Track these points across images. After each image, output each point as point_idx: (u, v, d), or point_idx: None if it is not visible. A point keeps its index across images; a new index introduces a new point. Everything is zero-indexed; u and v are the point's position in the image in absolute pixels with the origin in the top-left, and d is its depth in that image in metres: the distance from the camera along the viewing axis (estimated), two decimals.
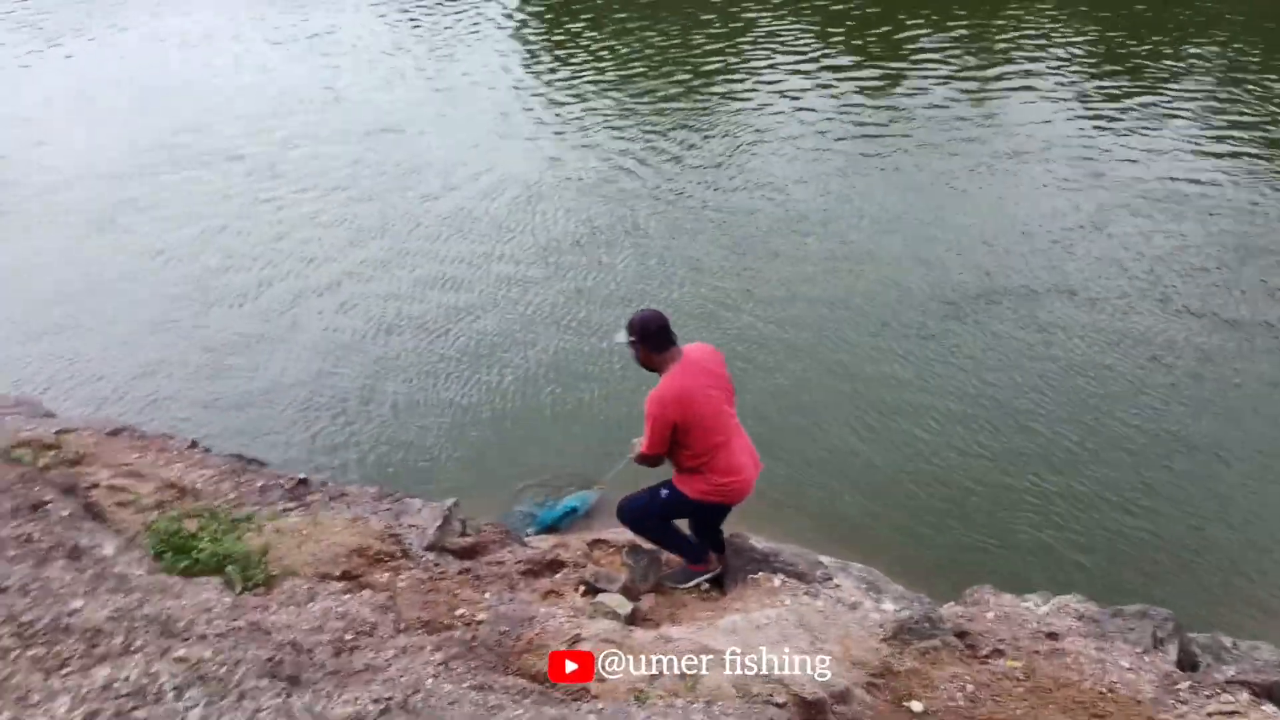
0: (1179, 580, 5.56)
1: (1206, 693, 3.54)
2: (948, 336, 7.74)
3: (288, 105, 13.70)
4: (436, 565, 4.40)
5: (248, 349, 8.17)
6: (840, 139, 11.31)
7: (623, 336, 4.25)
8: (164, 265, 9.61)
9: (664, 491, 4.41)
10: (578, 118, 12.68)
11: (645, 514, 4.54)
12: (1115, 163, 10.29)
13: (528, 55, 15.26)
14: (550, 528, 5.80)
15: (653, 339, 4.17)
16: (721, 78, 13.56)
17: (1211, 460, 6.41)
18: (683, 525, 4.72)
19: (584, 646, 3.32)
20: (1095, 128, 11.14)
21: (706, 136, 11.74)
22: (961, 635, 4.09)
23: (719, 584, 4.70)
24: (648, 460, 4.35)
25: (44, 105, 14.58)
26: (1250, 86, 11.89)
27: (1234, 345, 7.41)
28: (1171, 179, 9.84)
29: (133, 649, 2.16)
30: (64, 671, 2.01)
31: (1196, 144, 10.57)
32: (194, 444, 5.79)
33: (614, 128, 12.27)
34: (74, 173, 11.83)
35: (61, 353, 8.24)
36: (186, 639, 2.33)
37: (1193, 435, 6.60)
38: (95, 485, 4.35)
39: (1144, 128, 11.00)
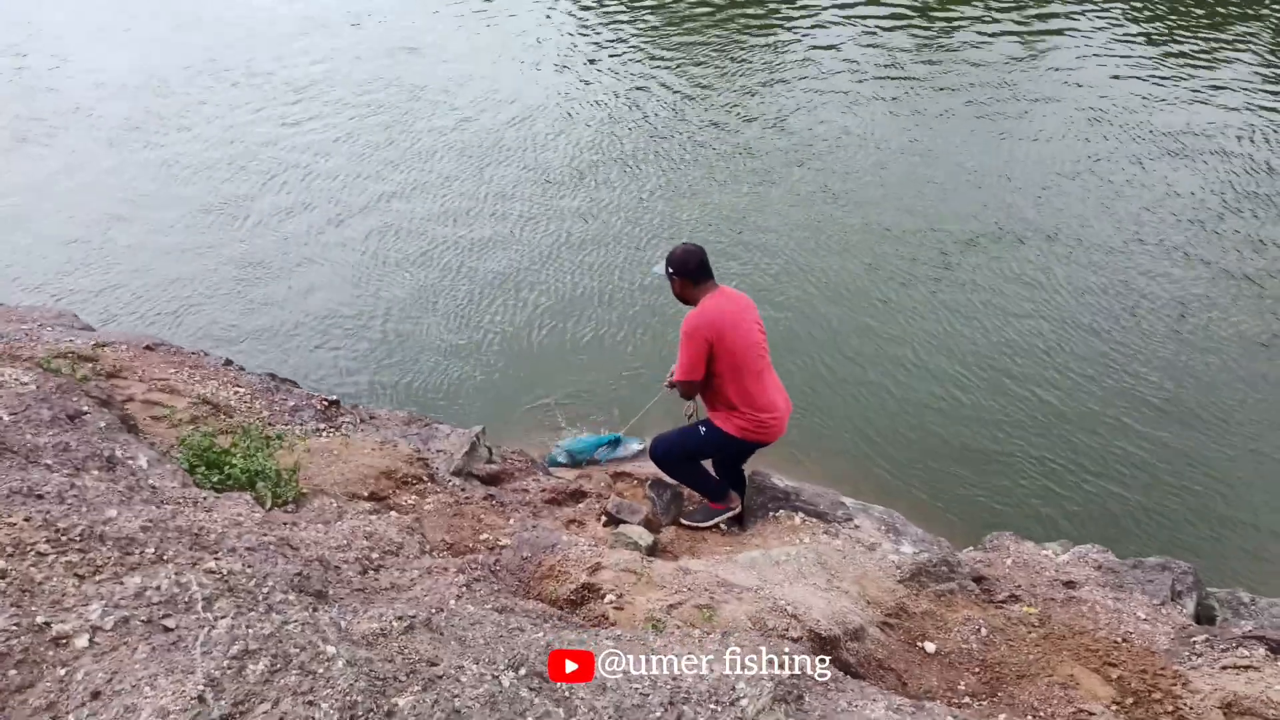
0: (1201, 535, 5.55)
1: (1222, 646, 3.54)
2: (963, 276, 7.76)
3: (316, 27, 13.64)
4: (462, 490, 4.47)
5: (279, 269, 8.24)
6: (855, 77, 11.17)
7: (661, 268, 4.27)
8: (194, 182, 9.67)
9: (702, 429, 4.44)
10: (600, 46, 12.55)
11: (679, 450, 4.58)
12: (1124, 111, 10.15)
13: None
14: (579, 460, 5.83)
15: (692, 273, 4.20)
16: (744, 13, 13.30)
17: (1236, 420, 6.35)
18: (707, 465, 4.75)
19: (604, 575, 3.36)
20: (1113, 76, 10.97)
21: (724, 72, 11.60)
22: (979, 580, 4.11)
23: (739, 521, 4.74)
24: (682, 389, 4.37)
25: (78, 22, 14.55)
26: None
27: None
28: (1175, 129, 9.71)
29: (164, 559, 2.21)
30: (97, 578, 2.06)
31: (1216, 98, 10.34)
32: (229, 362, 5.87)
33: (635, 59, 12.12)
34: (106, 89, 11.87)
35: (98, 266, 8.35)
36: (217, 552, 2.38)
37: (1222, 393, 6.54)
38: (130, 398, 4.41)
39: (1171, 82, 10.76)
